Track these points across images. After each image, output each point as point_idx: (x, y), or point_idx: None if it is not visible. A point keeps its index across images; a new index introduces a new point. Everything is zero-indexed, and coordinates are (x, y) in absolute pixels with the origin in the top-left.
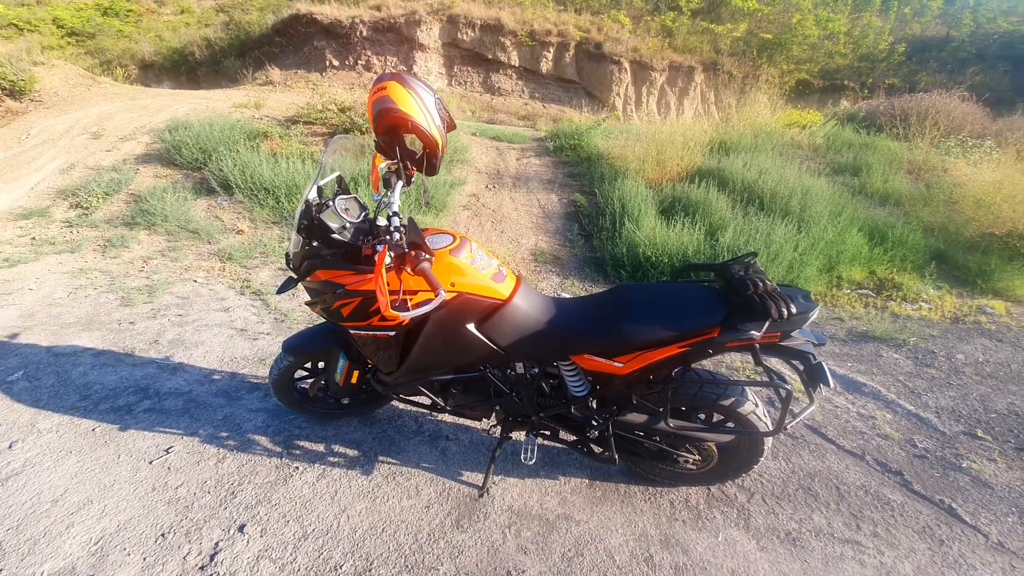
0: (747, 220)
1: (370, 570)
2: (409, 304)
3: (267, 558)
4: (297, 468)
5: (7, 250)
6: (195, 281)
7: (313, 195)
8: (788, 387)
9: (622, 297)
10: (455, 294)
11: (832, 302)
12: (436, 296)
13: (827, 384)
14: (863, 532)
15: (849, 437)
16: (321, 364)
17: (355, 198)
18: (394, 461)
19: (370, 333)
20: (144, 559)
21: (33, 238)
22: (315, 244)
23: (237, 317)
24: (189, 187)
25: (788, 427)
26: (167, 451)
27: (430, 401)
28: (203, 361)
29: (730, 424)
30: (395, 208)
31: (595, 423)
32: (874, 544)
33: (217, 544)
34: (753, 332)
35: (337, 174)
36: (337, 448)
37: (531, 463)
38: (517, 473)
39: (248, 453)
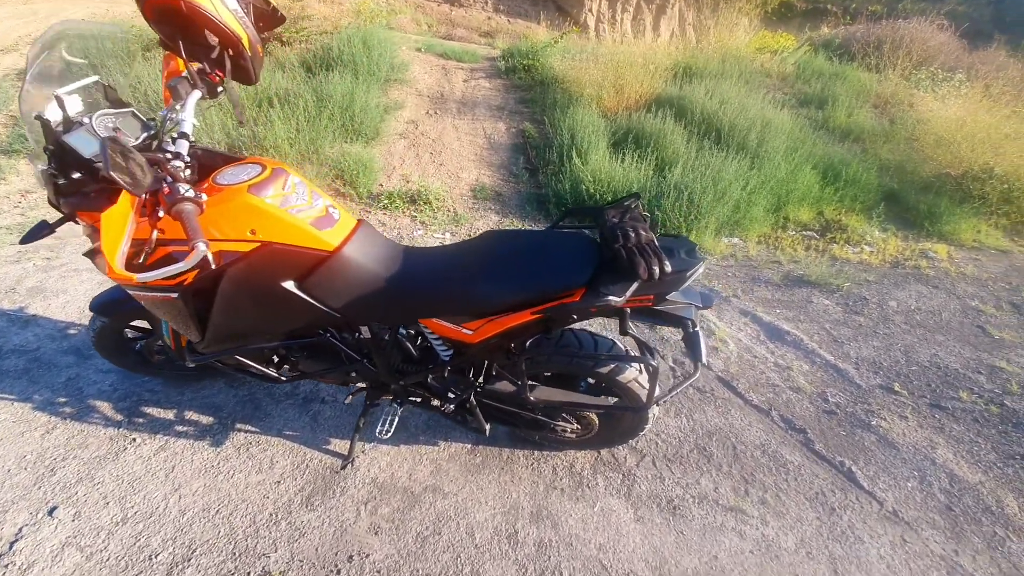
0: (700, 155)
1: (189, 559)
2: (200, 247)
3: (74, 546)
4: (134, 440)
5: None
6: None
7: (52, 111)
8: (653, 364)
9: (482, 249)
10: (257, 243)
11: (774, 244)
12: (192, 250)
13: (699, 359)
14: (750, 499)
15: (760, 390)
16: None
17: (133, 112)
18: (254, 429)
19: (148, 294)
20: None
21: None
22: (76, 176)
23: None
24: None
25: (662, 401)
26: None
27: (259, 372)
28: (61, 313)
29: (604, 397)
30: (185, 127)
31: (452, 394)
32: (759, 513)
33: (20, 530)
34: (613, 297)
35: (94, 78)
36: (190, 415)
37: (387, 435)
38: (393, 439)
39: (83, 422)
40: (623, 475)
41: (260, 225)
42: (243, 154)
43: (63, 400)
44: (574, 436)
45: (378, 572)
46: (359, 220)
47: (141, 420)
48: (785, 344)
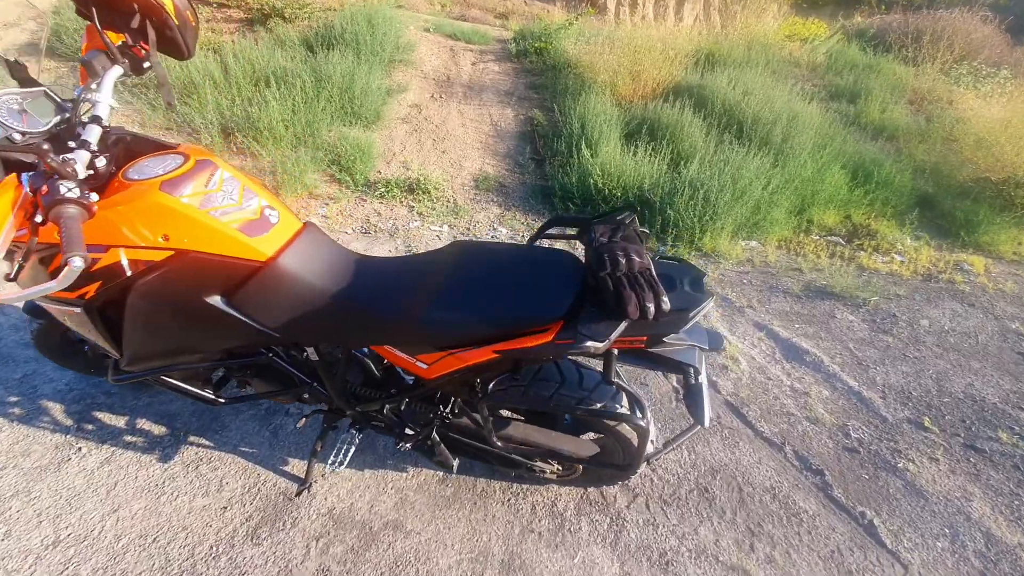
0: (719, 150)
1: None
2: (75, 264)
3: (0, 569)
4: (80, 449)
5: None
6: None
7: None
8: (641, 424)
9: (444, 266)
10: (171, 252)
11: (796, 249)
12: (66, 266)
13: (701, 418)
14: (756, 556)
15: (773, 420)
16: None
17: (46, 92)
18: (207, 443)
19: (51, 306)
20: None
21: None
22: None
23: None
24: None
25: (650, 462)
26: None
27: (193, 395)
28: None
29: (587, 440)
30: (99, 110)
31: (410, 429)
32: (766, 574)
33: None
34: (592, 342)
35: None
36: (141, 423)
37: (341, 467)
38: (357, 463)
39: (31, 426)
40: (611, 518)
41: (173, 230)
42: (174, 143)
43: (15, 399)
44: (554, 476)
45: None
46: (304, 223)
47: (90, 426)
48: (803, 365)
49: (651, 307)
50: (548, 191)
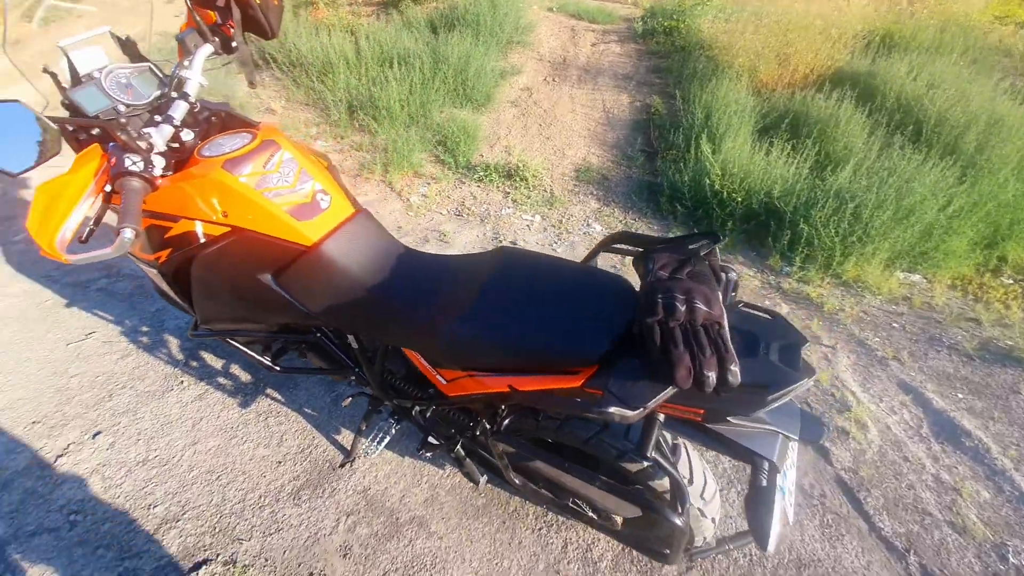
0: (885, 155)
1: (177, 521)
2: (89, 237)
3: (99, 474)
4: (182, 383)
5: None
6: None
7: (62, 67)
8: (675, 520)
9: (481, 273)
10: (229, 228)
11: (976, 293)
12: (117, 235)
13: (764, 542)
14: None
15: (899, 516)
16: None
17: (151, 68)
18: (279, 399)
19: (139, 264)
20: (6, 443)
21: None
22: (95, 133)
23: None
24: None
25: (693, 558)
26: (87, 336)
27: (253, 359)
28: None
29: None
30: (189, 87)
31: (433, 439)
32: None
33: (68, 447)
34: (619, 409)
35: (104, 29)
36: (234, 369)
37: (375, 453)
38: (399, 450)
39: (151, 354)
40: None
41: (231, 207)
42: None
43: (145, 329)
44: (591, 517)
45: None
46: (356, 210)
47: (195, 364)
48: (959, 450)
49: (711, 376)
50: (656, 189)
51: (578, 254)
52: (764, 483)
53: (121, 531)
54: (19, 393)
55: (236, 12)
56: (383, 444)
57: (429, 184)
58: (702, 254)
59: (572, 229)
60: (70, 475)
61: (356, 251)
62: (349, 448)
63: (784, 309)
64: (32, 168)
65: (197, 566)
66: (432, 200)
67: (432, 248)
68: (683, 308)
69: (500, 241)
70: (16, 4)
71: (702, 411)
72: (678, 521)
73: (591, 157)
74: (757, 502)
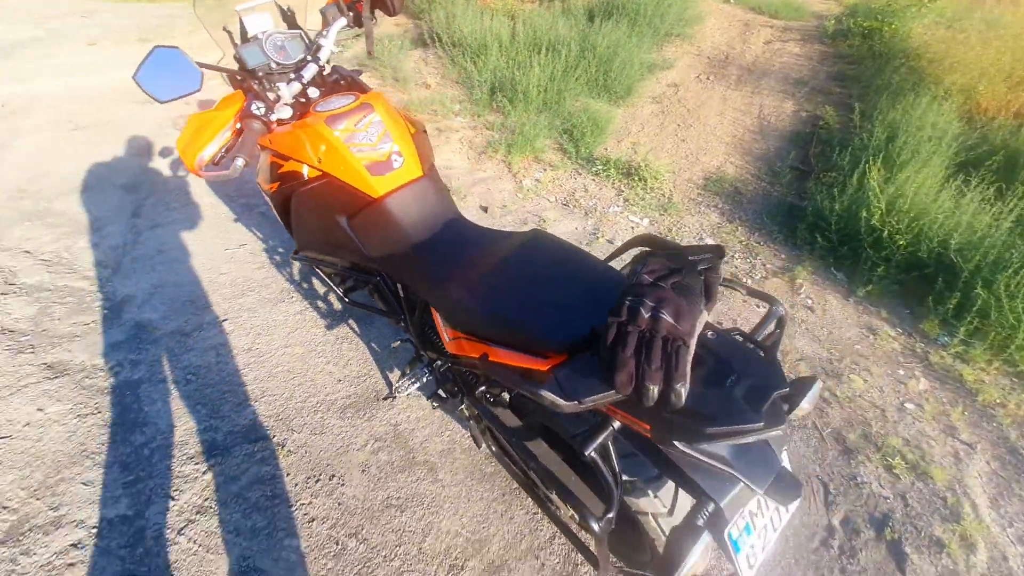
0: None
1: (256, 401)
2: (224, 161)
3: (216, 351)
4: (292, 297)
5: None
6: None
7: (237, 27)
8: (593, 525)
9: (506, 248)
10: (320, 172)
11: None
12: (234, 160)
13: None
14: None
15: None
16: None
17: (301, 35)
18: (355, 330)
19: (263, 193)
20: (166, 311)
21: None
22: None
23: None
24: (414, 37)
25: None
26: (239, 246)
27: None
28: None
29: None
30: (322, 53)
31: (442, 393)
32: None
33: (202, 325)
34: (554, 396)
35: (268, 0)
36: (331, 296)
37: (400, 393)
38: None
39: (278, 270)
40: None
41: (325, 155)
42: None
43: (281, 250)
44: (569, 522)
45: (338, 504)
46: (424, 174)
47: (305, 285)
48: None
49: (652, 389)
50: (796, 213)
51: None
52: (699, 523)
53: (216, 397)
54: (185, 278)
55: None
56: (411, 388)
57: (546, 170)
58: (699, 268)
59: (684, 239)
60: (198, 346)
61: (411, 209)
62: (394, 386)
63: (922, 384)
64: (174, 99)
65: (256, 439)
66: (544, 186)
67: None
68: (647, 315)
69: (598, 237)
70: None
71: (648, 427)
72: (595, 526)
73: (728, 166)
74: (681, 537)
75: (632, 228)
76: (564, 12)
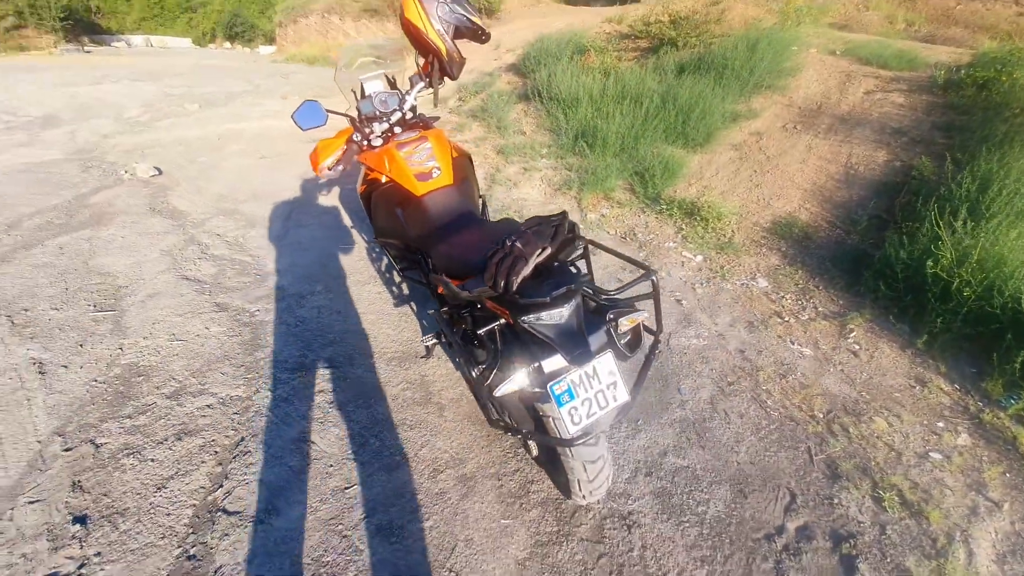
0: None
1: (332, 345)
2: (334, 167)
3: (317, 310)
4: (377, 281)
5: None
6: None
7: (371, 85)
8: (469, 373)
9: (491, 227)
10: (389, 179)
11: None
12: (335, 166)
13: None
14: None
15: None
16: None
17: (397, 94)
18: (413, 308)
19: (359, 196)
20: (292, 282)
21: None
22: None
23: None
24: (520, 93)
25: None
26: (348, 244)
27: (390, 260)
28: None
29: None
30: (407, 104)
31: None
32: None
33: (314, 291)
34: (451, 286)
35: (382, 72)
36: (399, 281)
37: (430, 356)
38: (458, 363)
39: (372, 264)
40: (561, 531)
41: (392, 167)
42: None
43: (377, 249)
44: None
45: (370, 416)
46: (454, 183)
47: (385, 272)
48: None
49: (500, 281)
50: (865, 260)
51: (721, 302)
52: (526, 380)
53: (311, 338)
54: (309, 261)
55: (436, 66)
56: (427, 343)
57: (612, 207)
58: (552, 224)
59: (730, 278)
60: (307, 305)
61: (439, 204)
62: (429, 347)
63: (962, 439)
64: (311, 129)
65: (329, 367)
66: (607, 220)
67: None
68: (508, 244)
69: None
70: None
71: (507, 312)
72: (472, 372)
73: (801, 212)
74: (509, 373)
75: (683, 263)
76: (655, 68)
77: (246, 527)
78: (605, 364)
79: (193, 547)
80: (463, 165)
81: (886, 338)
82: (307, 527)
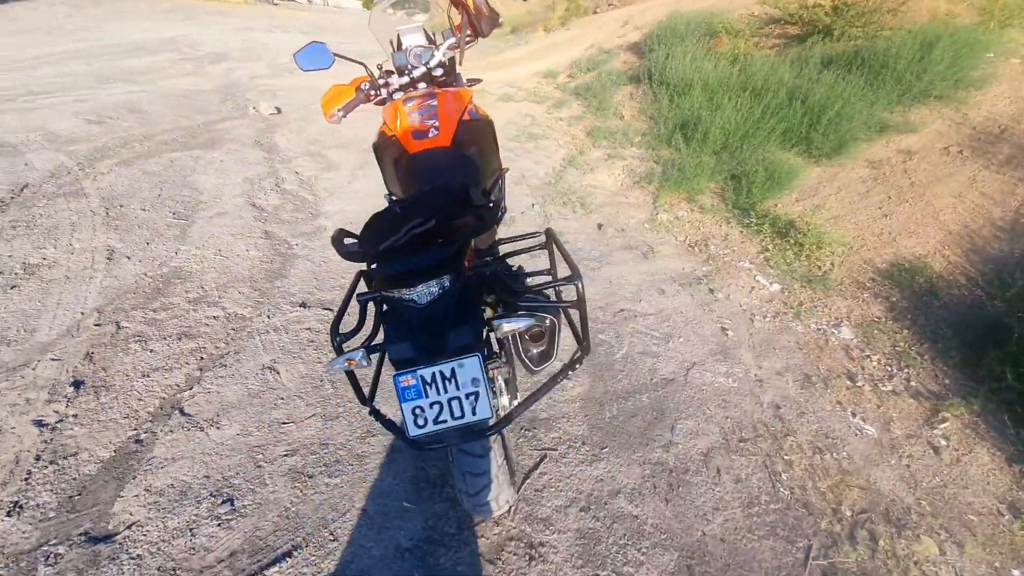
0: None
1: (342, 289)
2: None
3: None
4: None
5: (510, 91)
6: (546, 138)
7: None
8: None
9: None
10: (392, 133)
11: None
12: (339, 112)
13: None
14: None
15: None
16: None
17: (432, 49)
18: None
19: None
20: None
21: (534, 88)
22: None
23: (541, 171)
24: (633, 75)
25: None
26: None
27: None
28: None
29: None
30: (434, 61)
31: None
32: None
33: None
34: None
35: (420, 24)
36: None
37: None
38: None
39: None
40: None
41: (394, 121)
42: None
43: None
44: None
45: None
46: (450, 145)
47: None
48: None
49: (369, 247)
50: (997, 335)
51: (780, 344)
52: (364, 360)
53: (328, 278)
54: (361, 209)
55: (464, 18)
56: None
57: (692, 211)
58: (461, 193)
59: (806, 318)
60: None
61: (426, 166)
62: None
63: None
64: (310, 71)
65: (329, 309)
66: (680, 223)
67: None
68: (406, 211)
69: (703, 283)
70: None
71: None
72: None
73: (936, 258)
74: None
75: (752, 288)
76: (796, 59)
77: (188, 430)
78: (469, 369)
79: (144, 434)
80: (474, 130)
81: (989, 442)
82: (233, 447)
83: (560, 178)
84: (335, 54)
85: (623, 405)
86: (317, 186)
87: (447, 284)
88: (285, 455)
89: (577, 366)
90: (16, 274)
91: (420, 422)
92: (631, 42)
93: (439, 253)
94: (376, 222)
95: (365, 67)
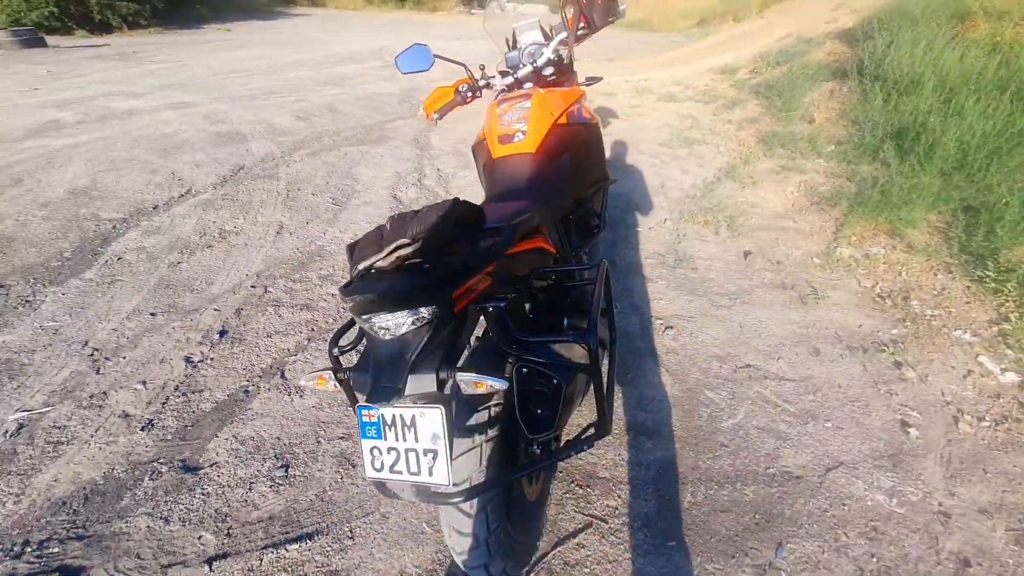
0: None
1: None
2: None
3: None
4: None
5: (675, 90)
6: (704, 143)
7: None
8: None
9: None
10: (483, 136)
11: None
12: (436, 113)
13: None
14: None
15: None
16: None
17: (546, 44)
18: None
19: None
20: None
21: (705, 87)
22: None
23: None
24: (837, 69)
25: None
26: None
27: None
28: None
29: None
30: (543, 59)
31: None
32: None
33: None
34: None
35: (536, 19)
36: None
37: None
38: None
39: None
40: None
41: (490, 124)
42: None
43: None
44: None
45: None
46: (535, 152)
47: None
48: None
49: (351, 265)
50: None
51: (999, 465)
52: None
53: None
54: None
55: (577, 12)
56: None
57: (892, 249)
58: (450, 215)
59: None
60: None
61: (507, 173)
62: None
63: None
64: (410, 73)
65: None
66: (870, 264)
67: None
68: (397, 226)
69: (887, 350)
70: None
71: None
72: None
73: None
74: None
75: (968, 373)
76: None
77: (281, 392)
78: (429, 423)
79: (251, 387)
80: (570, 136)
81: None
82: (306, 417)
83: (710, 191)
84: (436, 55)
85: (715, 492)
86: (451, 183)
87: (426, 316)
88: (341, 437)
89: (586, 447)
90: (214, 237)
91: (376, 464)
92: (842, 28)
93: (416, 279)
94: (364, 239)
95: (466, 68)
